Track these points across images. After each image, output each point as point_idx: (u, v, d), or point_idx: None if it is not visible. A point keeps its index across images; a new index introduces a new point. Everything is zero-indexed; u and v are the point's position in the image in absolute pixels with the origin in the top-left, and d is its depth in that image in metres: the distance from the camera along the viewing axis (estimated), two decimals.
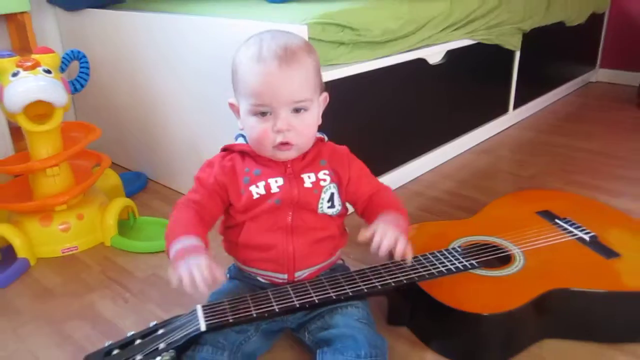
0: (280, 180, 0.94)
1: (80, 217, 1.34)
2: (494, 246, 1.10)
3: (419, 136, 1.72)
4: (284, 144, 0.90)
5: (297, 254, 0.96)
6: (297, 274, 0.98)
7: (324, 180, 0.96)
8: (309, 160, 0.96)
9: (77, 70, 1.37)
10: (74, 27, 1.82)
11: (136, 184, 1.67)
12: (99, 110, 1.82)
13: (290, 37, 0.91)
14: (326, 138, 1.00)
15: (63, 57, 1.33)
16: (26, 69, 1.23)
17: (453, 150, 1.90)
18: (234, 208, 0.96)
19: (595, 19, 2.75)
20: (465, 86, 1.87)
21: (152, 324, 0.90)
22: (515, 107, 2.21)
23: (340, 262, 1.08)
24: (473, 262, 1.04)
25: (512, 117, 2.22)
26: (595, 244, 1.11)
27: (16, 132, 1.65)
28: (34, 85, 1.22)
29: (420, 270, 1.00)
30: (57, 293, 1.19)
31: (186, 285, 0.81)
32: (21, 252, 1.27)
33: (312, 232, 0.96)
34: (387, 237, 0.90)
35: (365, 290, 0.95)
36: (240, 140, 0.99)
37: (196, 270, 0.81)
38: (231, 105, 0.97)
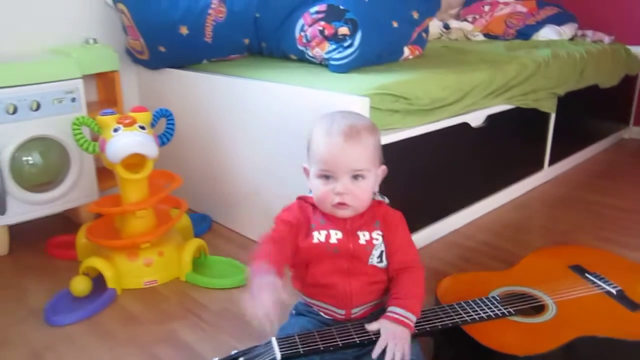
0: (340, 234, 1.10)
1: (161, 254, 1.53)
2: (529, 296, 1.24)
3: (460, 192, 1.88)
4: (341, 204, 1.07)
5: (353, 293, 1.12)
6: (353, 311, 1.14)
7: (376, 239, 1.12)
8: (366, 220, 1.12)
9: (163, 125, 1.59)
10: (153, 84, 2.05)
11: (203, 225, 1.86)
12: (171, 158, 2.02)
13: (359, 117, 1.12)
14: (387, 200, 1.17)
15: (154, 115, 1.55)
16: (125, 125, 1.45)
17: (490, 204, 2.04)
18: (299, 247, 1.12)
19: (628, 80, 2.88)
20: (504, 146, 2.03)
21: (233, 352, 1.06)
22: (550, 164, 2.35)
23: None
24: (510, 309, 1.18)
25: (547, 173, 2.36)
26: (622, 298, 1.24)
27: (100, 173, 1.87)
28: (132, 140, 1.43)
29: (464, 315, 1.15)
30: (143, 320, 1.38)
31: (257, 313, 0.95)
32: (111, 283, 1.46)
33: (365, 277, 1.13)
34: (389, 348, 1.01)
35: (416, 332, 1.09)
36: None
37: (265, 294, 0.95)
38: (305, 169, 1.15)
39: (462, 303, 1.19)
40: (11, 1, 1.80)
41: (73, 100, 1.71)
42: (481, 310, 1.17)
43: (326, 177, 1.07)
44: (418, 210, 1.69)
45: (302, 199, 1.17)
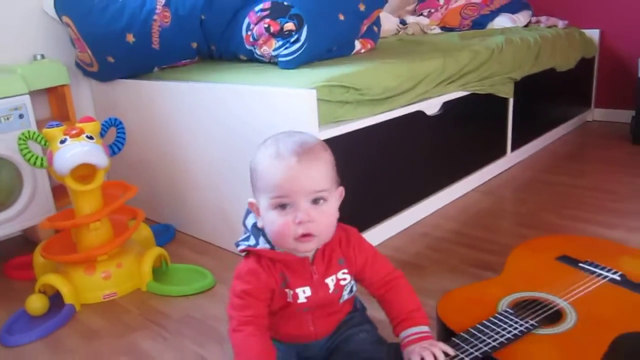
0: (308, 291, 0.98)
1: (119, 266, 1.50)
2: (539, 301, 1.09)
3: (421, 181, 1.86)
4: (305, 235, 0.91)
5: (318, 332, 1.04)
6: (318, 341, 1.06)
7: (344, 279, 1.01)
8: (328, 258, 0.99)
9: (114, 135, 1.55)
10: (106, 96, 2.02)
11: (165, 235, 1.83)
12: (130, 169, 2.00)
13: (305, 136, 0.97)
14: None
15: (102, 124, 1.52)
16: (72, 136, 1.41)
17: (454, 193, 2.03)
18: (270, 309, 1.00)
19: (585, 63, 2.92)
20: (463, 133, 2.02)
21: None
22: (513, 149, 2.35)
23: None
24: (532, 322, 1.01)
25: (510, 159, 2.36)
26: (628, 283, 1.12)
27: (57, 192, 1.83)
28: (79, 150, 1.39)
29: (489, 341, 0.97)
30: (103, 334, 1.34)
31: None
32: (68, 299, 1.42)
33: (333, 316, 1.05)
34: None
35: None
36: (260, 241, 1.00)
37: None
38: (251, 205, 0.99)
39: (479, 326, 1.01)
40: None
41: (21, 116, 1.67)
42: (503, 330, 0.99)
43: (282, 206, 0.91)
44: (376, 203, 1.68)
45: (255, 256, 0.99)
